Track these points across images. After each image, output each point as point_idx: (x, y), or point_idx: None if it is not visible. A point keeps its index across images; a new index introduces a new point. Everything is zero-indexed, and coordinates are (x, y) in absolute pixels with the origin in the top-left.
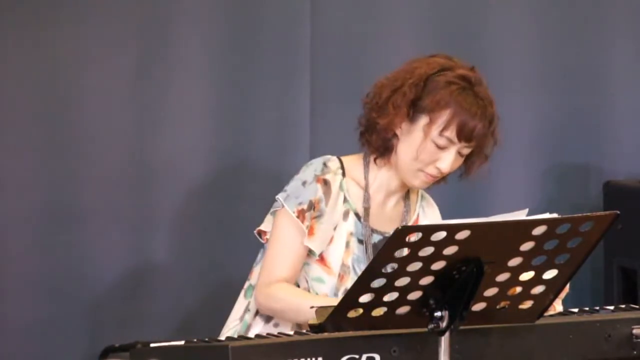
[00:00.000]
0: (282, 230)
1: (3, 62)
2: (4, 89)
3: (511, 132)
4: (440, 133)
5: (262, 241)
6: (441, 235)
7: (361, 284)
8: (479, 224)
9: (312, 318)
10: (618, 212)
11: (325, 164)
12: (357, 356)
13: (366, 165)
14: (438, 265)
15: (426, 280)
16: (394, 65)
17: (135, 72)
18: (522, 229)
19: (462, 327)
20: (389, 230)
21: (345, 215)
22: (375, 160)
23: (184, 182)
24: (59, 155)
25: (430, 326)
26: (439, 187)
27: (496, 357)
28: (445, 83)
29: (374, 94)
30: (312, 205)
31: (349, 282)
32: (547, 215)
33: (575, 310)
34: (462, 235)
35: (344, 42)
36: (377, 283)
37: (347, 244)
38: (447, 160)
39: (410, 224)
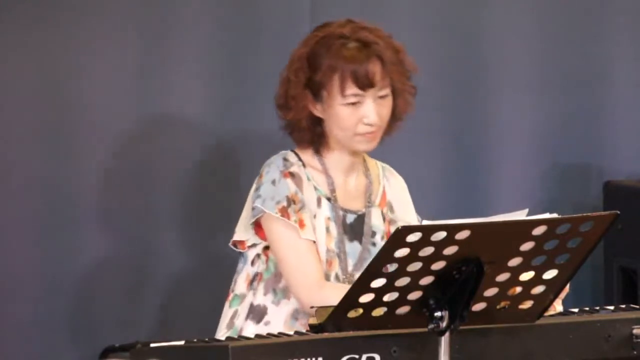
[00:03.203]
0: (280, 236)
1: (3, 62)
2: (4, 88)
3: (511, 132)
4: (343, 94)
5: (241, 250)
6: (441, 235)
7: (361, 284)
8: (479, 224)
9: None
10: (618, 212)
11: (285, 159)
12: (357, 356)
13: (316, 153)
14: (438, 265)
15: (426, 280)
16: None
17: (136, 72)
18: (522, 229)
19: (462, 327)
20: (360, 207)
21: (319, 202)
22: (318, 149)
23: (186, 182)
24: (59, 154)
25: (430, 326)
26: (438, 187)
27: (496, 357)
28: (325, 50)
29: (276, 99)
30: (290, 201)
31: (337, 266)
32: (547, 215)
33: (575, 310)
34: (462, 235)
35: None
36: (377, 283)
37: (327, 229)
38: (369, 112)
39: (378, 196)
